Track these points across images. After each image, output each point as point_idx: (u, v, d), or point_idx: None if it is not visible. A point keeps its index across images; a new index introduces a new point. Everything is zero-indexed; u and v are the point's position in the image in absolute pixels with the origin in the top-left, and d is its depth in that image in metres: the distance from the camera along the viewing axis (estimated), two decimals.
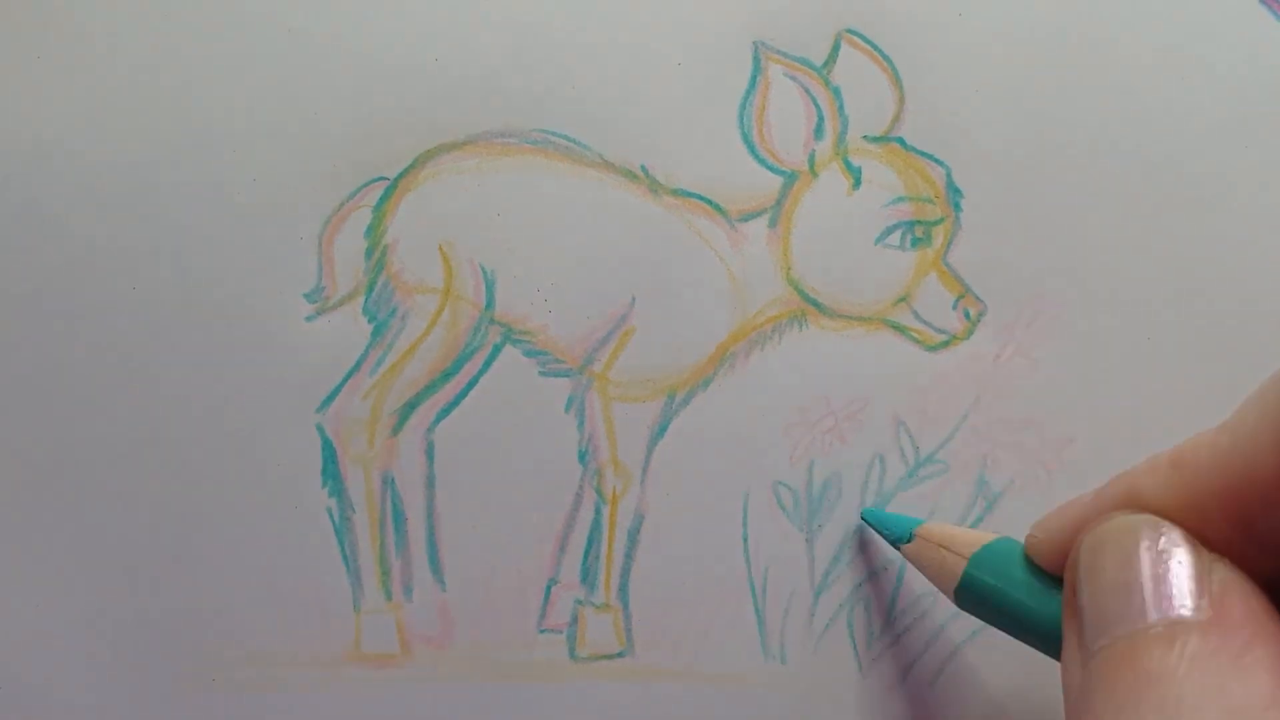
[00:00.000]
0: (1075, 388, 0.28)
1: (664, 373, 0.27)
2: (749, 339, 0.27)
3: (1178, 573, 0.18)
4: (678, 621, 0.27)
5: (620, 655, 0.27)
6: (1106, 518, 0.20)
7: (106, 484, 0.26)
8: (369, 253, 0.26)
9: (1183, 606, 0.18)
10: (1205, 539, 0.18)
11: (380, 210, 0.26)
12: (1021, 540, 0.22)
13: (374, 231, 0.26)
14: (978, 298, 0.27)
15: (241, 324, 0.26)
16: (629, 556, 0.27)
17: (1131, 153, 0.27)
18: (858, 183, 0.27)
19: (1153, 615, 0.18)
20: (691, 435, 0.27)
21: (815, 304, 0.27)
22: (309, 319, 0.26)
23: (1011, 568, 0.22)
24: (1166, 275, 0.28)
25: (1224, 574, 0.18)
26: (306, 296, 0.26)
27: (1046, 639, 0.21)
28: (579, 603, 0.27)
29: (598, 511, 0.27)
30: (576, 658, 0.27)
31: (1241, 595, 0.18)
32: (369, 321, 0.26)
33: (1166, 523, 0.19)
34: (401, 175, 0.26)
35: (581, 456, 0.27)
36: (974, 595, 0.23)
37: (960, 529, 0.24)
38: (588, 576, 0.27)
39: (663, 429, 0.27)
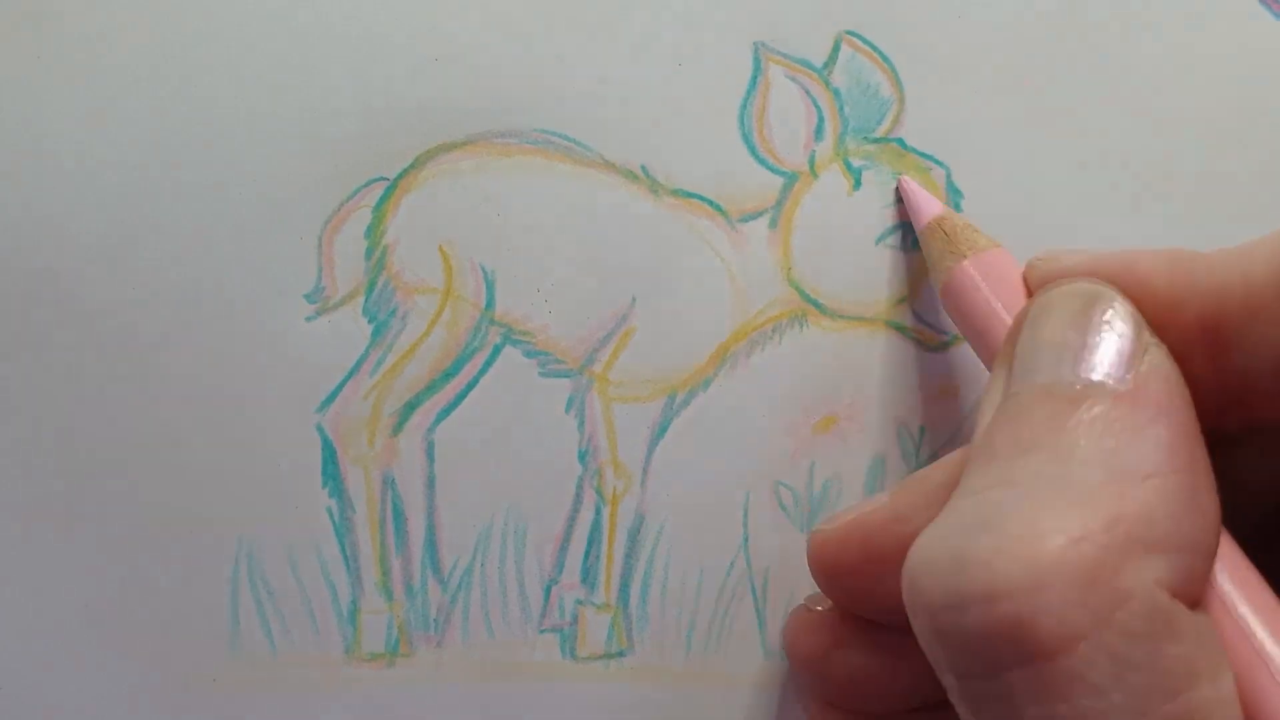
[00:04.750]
0: None
1: (664, 373, 0.27)
2: (749, 339, 0.27)
3: (1111, 344, 0.19)
4: (678, 621, 0.27)
5: (620, 655, 0.27)
6: (1069, 280, 0.20)
7: (105, 483, 0.25)
8: (369, 253, 0.26)
9: (1105, 375, 0.18)
10: (1163, 333, 0.19)
11: (380, 210, 0.26)
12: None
13: (374, 232, 0.26)
14: None
15: (241, 324, 0.25)
16: (630, 556, 0.27)
17: (1131, 153, 0.27)
18: (858, 183, 0.27)
19: (1074, 373, 0.19)
20: (692, 435, 0.27)
21: (816, 304, 0.27)
22: (309, 319, 0.26)
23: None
24: None
25: (1158, 359, 0.19)
26: (306, 297, 0.26)
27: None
28: (579, 603, 0.27)
29: (598, 512, 0.27)
30: (577, 658, 0.27)
31: (1164, 381, 0.18)
32: (369, 322, 0.26)
33: (1120, 297, 0.20)
34: (401, 175, 0.26)
35: (582, 457, 0.27)
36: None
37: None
38: (588, 576, 0.27)
39: (663, 429, 0.27)
